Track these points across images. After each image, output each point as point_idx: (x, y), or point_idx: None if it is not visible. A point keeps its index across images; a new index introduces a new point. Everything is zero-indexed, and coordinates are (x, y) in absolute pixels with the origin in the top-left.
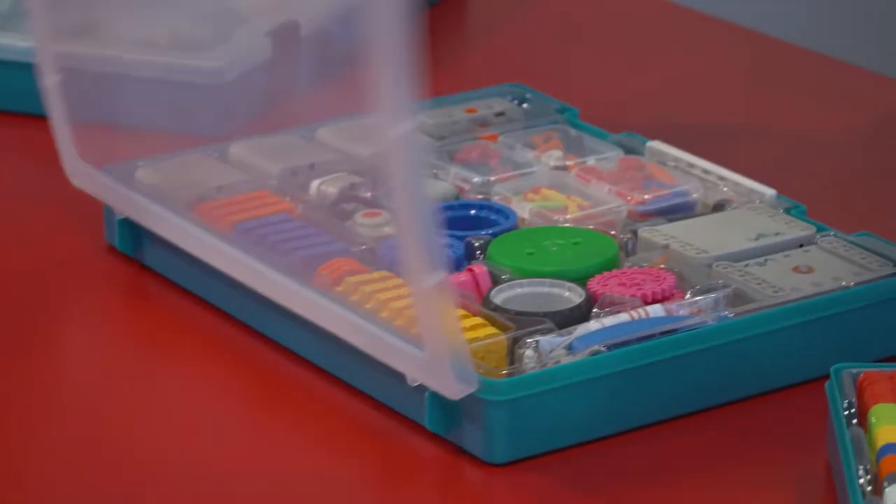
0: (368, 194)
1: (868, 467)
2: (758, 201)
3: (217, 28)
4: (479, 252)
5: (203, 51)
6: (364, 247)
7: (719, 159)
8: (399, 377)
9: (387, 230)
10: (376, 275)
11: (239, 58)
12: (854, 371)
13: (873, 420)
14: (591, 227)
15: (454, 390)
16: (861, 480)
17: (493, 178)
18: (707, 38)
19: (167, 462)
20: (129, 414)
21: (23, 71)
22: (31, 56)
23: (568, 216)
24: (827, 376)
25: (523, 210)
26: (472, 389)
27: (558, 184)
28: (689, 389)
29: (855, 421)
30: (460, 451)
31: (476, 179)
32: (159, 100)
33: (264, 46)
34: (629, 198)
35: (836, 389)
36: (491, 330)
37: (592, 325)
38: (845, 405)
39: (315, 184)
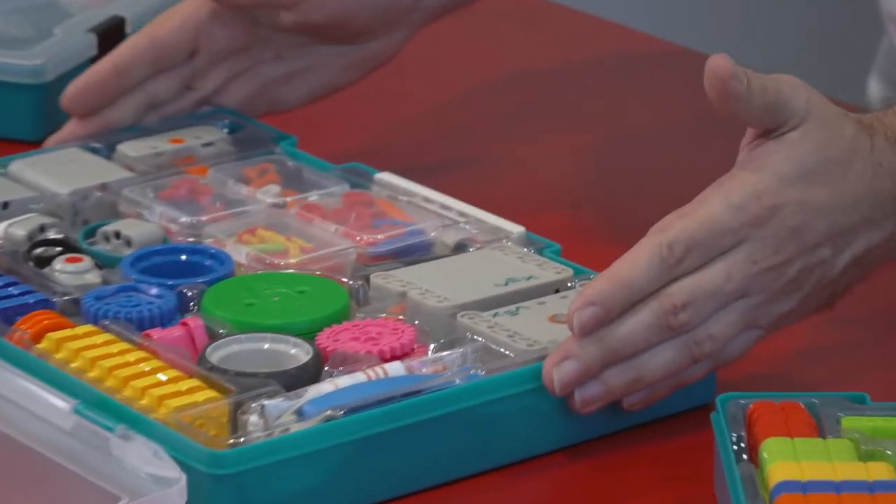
0: (61, 236)
1: None
2: (505, 241)
3: (36, 23)
4: (192, 303)
5: (21, 48)
6: (67, 297)
7: (458, 193)
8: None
9: (90, 277)
10: (80, 330)
11: (60, 55)
12: (742, 402)
13: (765, 455)
14: (317, 272)
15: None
16: None
17: (204, 218)
18: (440, 61)
19: None
20: None
21: None
22: None
23: (290, 260)
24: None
25: (239, 254)
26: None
27: (276, 223)
28: (436, 458)
29: (745, 456)
30: None
31: (185, 220)
32: None
33: (89, 43)
34: (358, 238)
35: (723, 422)
36: (210, 393)
37: (325, 386)
38: (734, 439)
39: (2, 226)
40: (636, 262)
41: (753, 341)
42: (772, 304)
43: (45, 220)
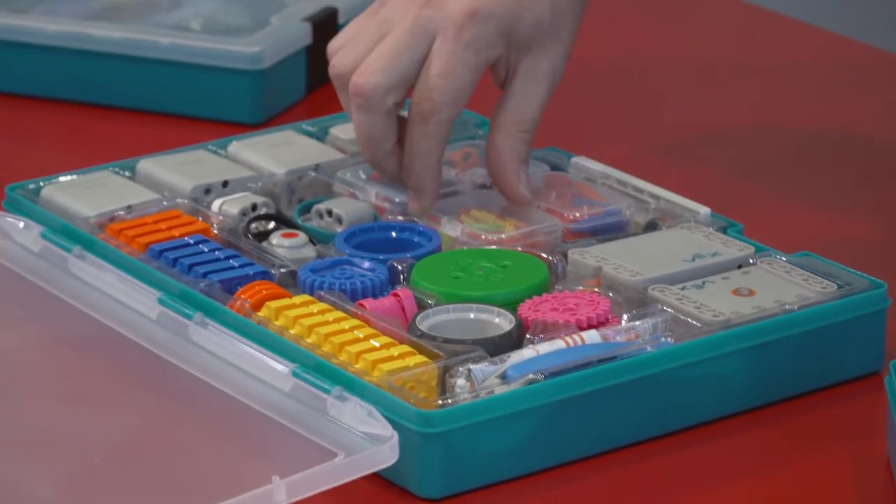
0: (274, 212)
1: None
2: (692, 220)
3: (253, 13)
4: (402, 276)
5: (240, 36)
6: (284, 269)
7: (648, 176)
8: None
9: (305, 251)
10: (297, 299)
11: (277, 43)
12: None
13: None
14: (519, 248)
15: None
16: None
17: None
18: (631, 49)
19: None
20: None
21: (52, 55)
22: (60, 40)
23: (502, 236)
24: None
25: (454, 230)
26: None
27: (485, 203)
28: (629, 419)
29: None
30: (394, 486)
31: (398, 199)
32: (194, 86)
33: (304, 32)
34: (564, 216)
35: (895, 383)
36: (420, 358)
37: (526, 352)
38: None
39: (217, 204)
40: None
41: None
42: None
43: (258, 198)
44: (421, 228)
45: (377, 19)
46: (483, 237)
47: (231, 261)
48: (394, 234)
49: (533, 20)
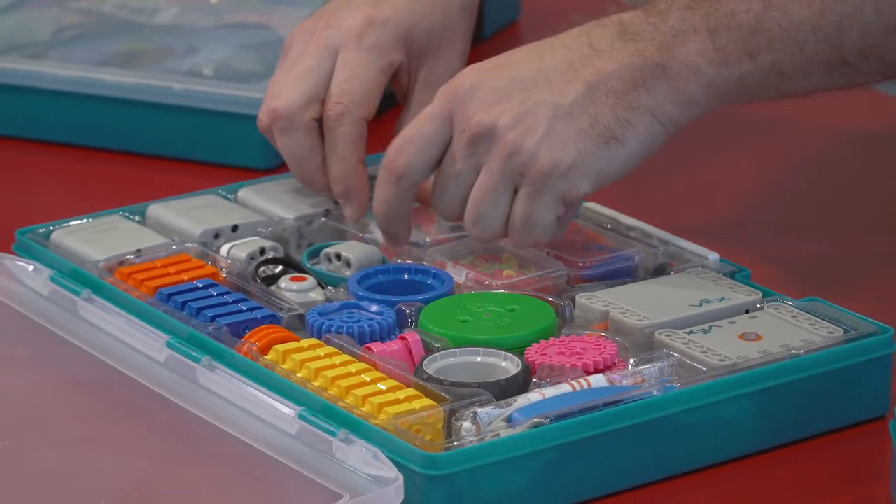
0: (282, 255)
1: None
2: (700, 265)
3: (265, 59)
4: (410, 320)
5: (251, 82)
6: (292, 313)
7: (657, 221)
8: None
9: (313, 295)
10: (305, 343)
11: None
12: None
13: None
14: (527, 292)
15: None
16: None
17: (428, 240)
18: None
19: None
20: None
21: (66, 100)
22: (74, 85)
23: (505, 281)
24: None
25: (459, 275)
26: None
27: (494, 248)
28: (634, 462)
29: None
30: None
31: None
32: (206, 131)
33: None
34: (576, 263)
35: None
36: (426, 401)
37: (533, 395)
38: None
39: (226, 248)
40: None
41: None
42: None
43: (266, 243)
44: (434, 271)
45: (287, 61)
46: (486, 283)
47: (239, 305)
48: (407, 276)
49: (427, 26)
